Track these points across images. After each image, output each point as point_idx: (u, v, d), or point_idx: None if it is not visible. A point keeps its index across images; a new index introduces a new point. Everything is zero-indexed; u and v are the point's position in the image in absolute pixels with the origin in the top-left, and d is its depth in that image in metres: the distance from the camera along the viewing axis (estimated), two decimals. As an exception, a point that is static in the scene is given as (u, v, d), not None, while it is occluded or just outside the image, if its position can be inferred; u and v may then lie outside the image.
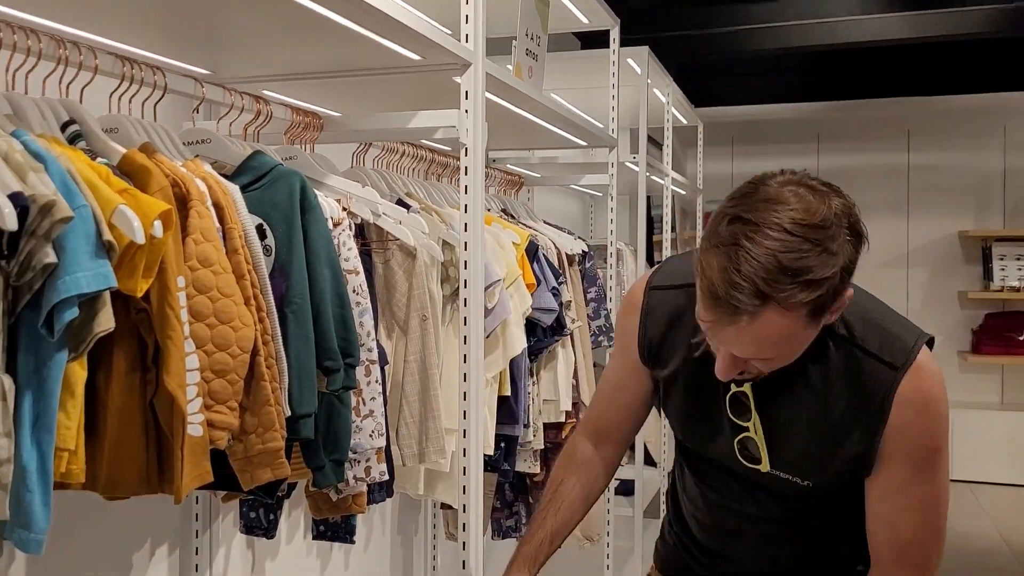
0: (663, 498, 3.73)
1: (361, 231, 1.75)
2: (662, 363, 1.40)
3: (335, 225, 1.53)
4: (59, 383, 0.98)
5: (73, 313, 0.96)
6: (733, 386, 1.30)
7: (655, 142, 4.11)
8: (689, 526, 1.53)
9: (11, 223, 0.90)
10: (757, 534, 1.43)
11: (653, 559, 1.67)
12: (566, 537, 1.49)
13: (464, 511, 1.73)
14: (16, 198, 0.91)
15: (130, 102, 1.39)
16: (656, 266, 1.43)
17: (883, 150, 5.97)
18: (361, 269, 1.57)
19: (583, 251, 2.71)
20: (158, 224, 1.05)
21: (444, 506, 2.40)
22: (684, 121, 4.44)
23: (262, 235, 1.37)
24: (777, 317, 1.08)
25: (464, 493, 1.72)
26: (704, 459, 1.43)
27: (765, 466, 1.32)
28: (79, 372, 1.01)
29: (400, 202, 1.89)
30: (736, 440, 1.33)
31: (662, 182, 3.80)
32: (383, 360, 1.67)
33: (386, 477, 1.64)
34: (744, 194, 1.12)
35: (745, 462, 1.34)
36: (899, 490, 1.27)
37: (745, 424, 1.31)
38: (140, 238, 1.02)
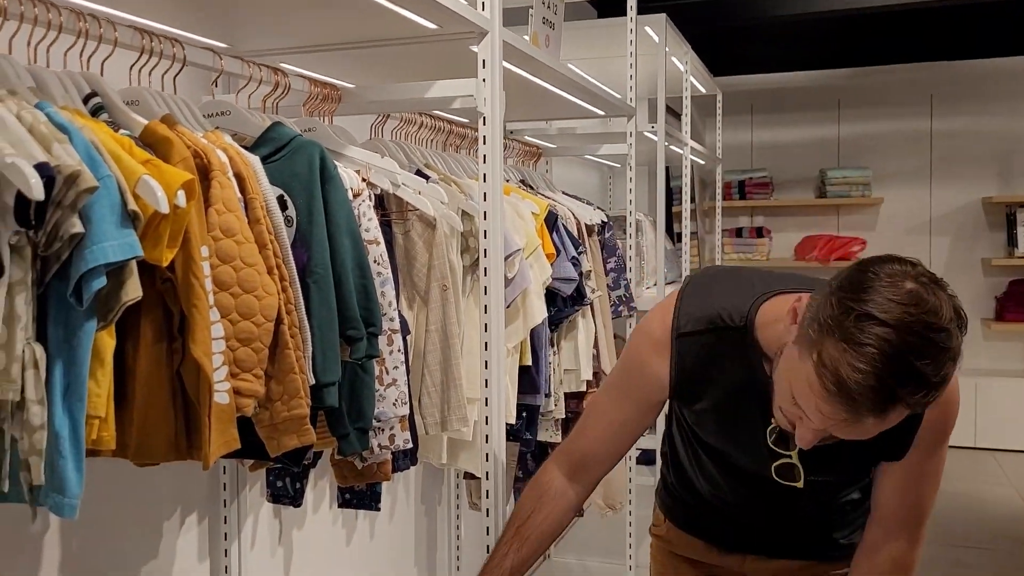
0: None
1: (381, 202, 1.76)
2: (695, 399, 1.41)
3: (355, 196, 1.54)
4: (89, 352, 1.00)
5: (101, 282, 0.98)
6: (773, 420, 1.28)
7: (673, 111, 4.08)
8: (705, 497, 1.55)
9: (38, 193, 0.91)
10: (783, 513, 1.48)
11: (658, 507, 1.69)
12: (526, 573, 1.45)
13: (487, 479, 1.74)
14: (42, 168, 0.92)
15: (150, 75, 1.40)
16: (675, 305, 1.38)
17: (905, 116, 5.89)
18: (381, 239, 1.58)
19: (602, 221, 2.71)
20: (181, 194, 1.06)
21: (467, 476, 2.42)
22: (703, 90, 4.39)
23: (283, 206, 1.38)
24: (898, 414, 1.10)
25: (487, 461, 1.74)
26: (732, 463, 1.45)
27: (800, 484, 1.36)
28: (108, 341, 1.03)
29: (419, 173, 1.89)
30: (774, 465, 1.36)
31: (681, 152, 3.77)
32: (405, 329, 1.68)
33: (410, 445, 1.66)
34: (861, 287, 1.09)
35: (781, 480, 1.37)
36: (918, 468, 1.36)
37: (788, 452, 1.34)
38: (164, 207, 1.03)
